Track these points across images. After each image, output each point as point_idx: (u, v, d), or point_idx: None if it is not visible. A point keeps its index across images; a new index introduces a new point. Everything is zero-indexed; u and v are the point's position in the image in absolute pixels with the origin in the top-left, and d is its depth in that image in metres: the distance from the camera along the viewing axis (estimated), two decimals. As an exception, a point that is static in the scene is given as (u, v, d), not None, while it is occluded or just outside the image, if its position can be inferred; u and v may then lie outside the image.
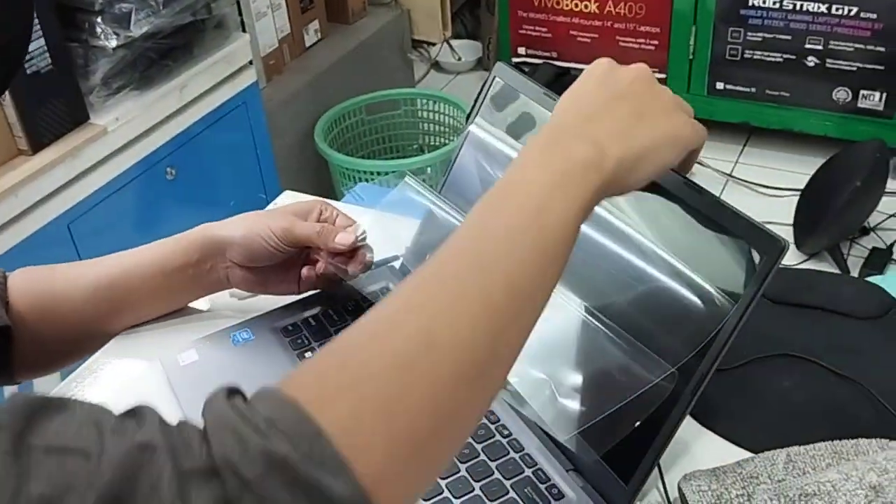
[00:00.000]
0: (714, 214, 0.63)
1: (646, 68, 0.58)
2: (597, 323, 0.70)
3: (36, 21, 1.51)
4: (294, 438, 0.40)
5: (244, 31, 2.05)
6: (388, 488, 0.41)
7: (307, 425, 0.40)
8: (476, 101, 0.86)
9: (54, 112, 1.60)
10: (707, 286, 0.64)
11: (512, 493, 0.69)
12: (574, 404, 0.70)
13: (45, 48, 1.53)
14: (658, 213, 0.68)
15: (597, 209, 0.69)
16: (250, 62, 2.00)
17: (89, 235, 1.67)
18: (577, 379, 0.72)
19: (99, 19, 1.62)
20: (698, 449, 0.74)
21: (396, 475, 0.42)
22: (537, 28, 2.74)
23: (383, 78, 2.59)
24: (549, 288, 0.49)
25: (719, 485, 0.65)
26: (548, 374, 0.74)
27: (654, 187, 0.67)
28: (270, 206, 1.07)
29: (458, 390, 0.44)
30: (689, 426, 0.75)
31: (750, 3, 2.41)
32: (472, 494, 0.69)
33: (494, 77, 0.86)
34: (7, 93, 1.51)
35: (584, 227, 0.70)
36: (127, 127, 1.71)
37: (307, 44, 2.38)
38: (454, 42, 3.08)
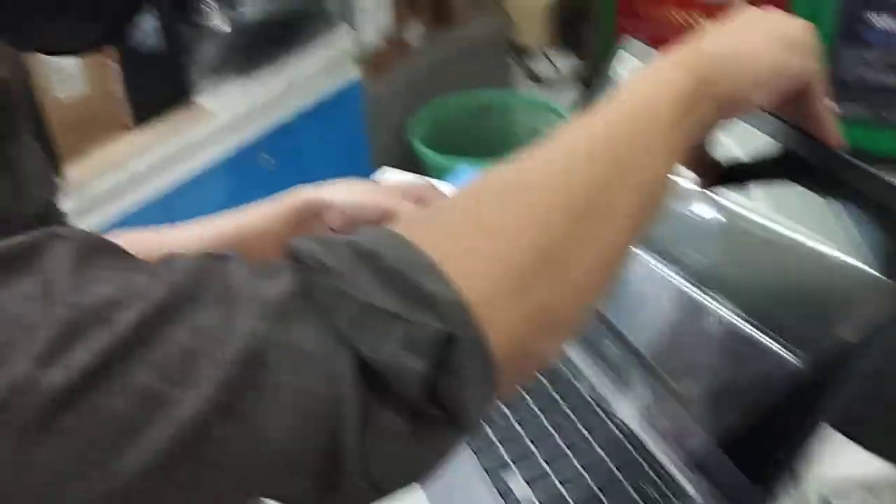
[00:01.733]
0: (888, 200, 0.57)
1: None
2: (727, 311, 0.64)
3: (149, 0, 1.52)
4: (383, 245, 0.38)
5: (350, 26, 2.04)
6: (493, 313, 0.38)
7: (397, 237, 0.39)
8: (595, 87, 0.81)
9: (160, 91, 1.61)
10: (872, 273, 0.57)
11: (630, 491, 0.63)
12: (690, 387, 0.64)
13: (158, 27, 1.54)
14: (822, 205, 0.62)
15: (750, 204, 0.63)
16: (354, 57, 1.99)
17: (183, 216, 1.67)
18: (694, 364, 0.67)
19: (211, 1, 1.63)
20: (840, 460, 0.66)
21: (501, 301, 0.39)
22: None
23: (482, 82, 2.56)
24: (655, 166, 0.47)
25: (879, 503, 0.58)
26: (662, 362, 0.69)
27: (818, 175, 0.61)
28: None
29: (555, 225, 0.42)
30: (830, 434, 0.68)
31: (869, 24, 2.30)
32: (590, 491, 0.64)
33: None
34: (117, 67, 1.52)
35: (735, 219, 0.64)
36: (229, 111, 1.71)
37: (409, 43, 2.36)
38: (554, 54, 3.04)
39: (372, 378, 0.36)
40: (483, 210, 0.43)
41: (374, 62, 2.24)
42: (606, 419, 0.69)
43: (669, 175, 0.49)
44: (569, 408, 0.70)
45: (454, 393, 0.37)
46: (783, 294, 0.62)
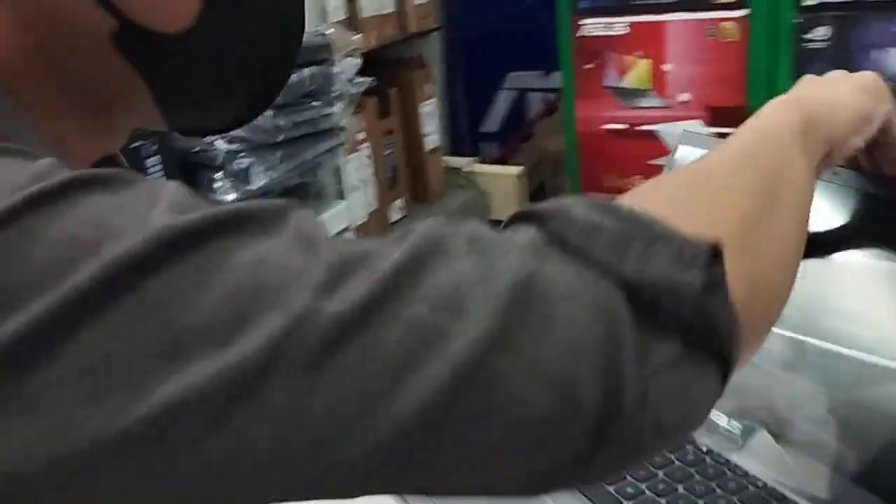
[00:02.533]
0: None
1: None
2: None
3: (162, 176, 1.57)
4: (612, 203, 0.40)
5: (341, 201, 2.11)
6: (730, 260, 0.39)
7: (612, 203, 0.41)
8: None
9: (171, 262, 1.62)
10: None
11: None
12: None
13: (170, 199, 1.58)
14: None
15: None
16: (346, 228, 2.05)
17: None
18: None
19: (218, 174, 1.68)
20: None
21: (728, 258, 0.39)
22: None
23: (462, 255, 2.62)
24: (798, 172, 0.51)
25: None
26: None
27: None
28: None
29: (748, 205, 0.45)
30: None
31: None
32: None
33: (678, 146, 0.87)
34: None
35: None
36: (235, 281, 1.73)
37: (392, 219, 2.45)
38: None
39: (641, 305, 0.36)
40: (687, 189, 0.46)
41: (362, 234, 2.30)
42: (729, 471, 0.69)
43: (809, 189, 0.53)
44: (688, 465, 0.70)
45: (724, 313, 0.37)
46: None
